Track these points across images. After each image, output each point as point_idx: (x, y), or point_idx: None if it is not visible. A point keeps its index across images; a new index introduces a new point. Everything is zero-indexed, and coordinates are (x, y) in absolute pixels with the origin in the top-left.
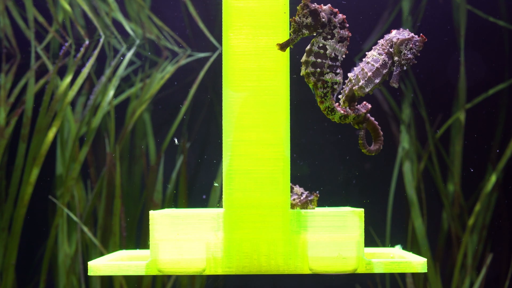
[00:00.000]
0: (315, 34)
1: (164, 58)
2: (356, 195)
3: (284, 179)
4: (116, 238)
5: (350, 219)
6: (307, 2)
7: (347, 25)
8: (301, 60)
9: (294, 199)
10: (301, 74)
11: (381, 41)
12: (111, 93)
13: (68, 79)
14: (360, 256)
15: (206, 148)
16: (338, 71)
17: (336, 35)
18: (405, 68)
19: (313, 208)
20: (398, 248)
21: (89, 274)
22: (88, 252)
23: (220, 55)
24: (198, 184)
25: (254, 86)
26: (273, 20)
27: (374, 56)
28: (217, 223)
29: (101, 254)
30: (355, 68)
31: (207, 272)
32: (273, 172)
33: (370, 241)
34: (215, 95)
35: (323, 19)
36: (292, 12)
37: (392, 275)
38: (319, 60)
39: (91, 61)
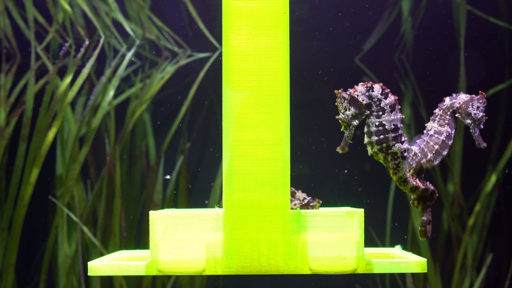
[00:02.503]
0: (364, 117)
1: (164, 58)
2: (356, 195)
3: (284, 179)
4: (116, 238)
5: (350, 219)
6: (342, 94)
7: (388, 90)
8: (364, 142)
9: (295, 204)
10: (369, 155)
11: (437, 112)
12: (111, 93)
13: (68, 79)
14: (360, 256)
15: (206, 148)
16: (402, 139)
17: (385, 107)
18: (481, 126)
19: None
20: (398, 248)
21: (89, 274)
22: (88, 252)
23: (220, 55)
24: (198, 184)
25: (254, 86)
26: (273, 20)
27: (435, 128)
28: (217, 223)
29: (101, 254)
30: (417, 141)
31: (207, 272)
32: (273, 172)
33: (370, 241)
34: (215, 95)
35: (364, 101)
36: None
37: (392, 275)
38: (381, 136)
39: (91, 61)
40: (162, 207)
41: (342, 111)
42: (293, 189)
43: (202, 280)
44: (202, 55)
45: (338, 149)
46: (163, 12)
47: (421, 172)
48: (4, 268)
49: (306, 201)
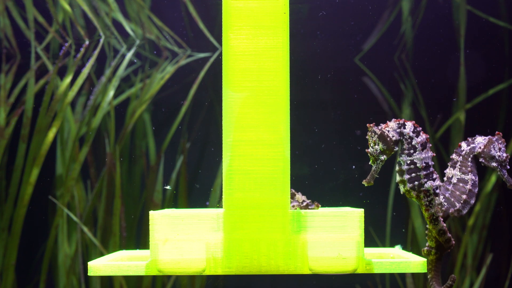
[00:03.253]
0: (392, 153)
1: (164, 58)
2: (356, 195)
3: (284, 179)
4: (116, 238)
5: (350, 219)
6: (372, 128)
7: (420, 128)
8: (397, 181)
9: (293, 206)
10: (401, 193)
11: (456, 158)
12: (111, 93)
13: (68, 79)
14: (360, 256)
15: (206, 148)
16: (434, 176)
17: (416, 145)
18: (508, 167)
19: None
20: (398, 248)
21: (89, 274)
22: (88, 252)
23: (220, 55)
24: (198, 184)
25: (254, 86)
26: (273, 20)
27: (458, 176)
28: (217, 223)
29: (101, 254)
30: (440, 189)
31: (207, 272)
32: (273, 172)
33: (370, 241)
34: (215, 95)
35: (394, 138)
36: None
37: (392, 275)
38: (413, 174)
39: (91, 61)
40: (162, 207)
41: (371, 145)
42: (293, 190)
43: (202, 280)
44: (202, 55)
45: (364, 182)
46: (163, 12)
47: (445, 220)
48: (4, 268)
49: (305, 203)
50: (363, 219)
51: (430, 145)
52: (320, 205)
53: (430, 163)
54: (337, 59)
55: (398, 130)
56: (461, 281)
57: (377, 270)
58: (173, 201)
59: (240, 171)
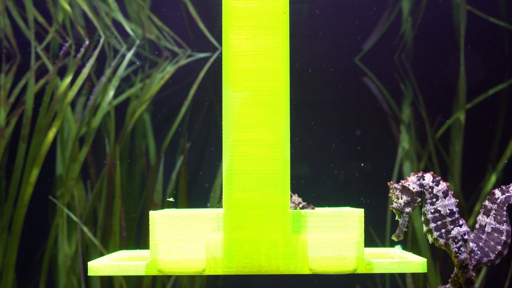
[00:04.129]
0: (417, 206)
1: (164, 58)
2: (356, 195)
3: (284, 179)
4: (116, 238)
5: (350, 219)
6: (393, 185)
7: (439, 177)
8: (424, 232)
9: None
10: (430, 242)
11: (489, 205)
12: (111, 93)
13: (68, 79)
14: (360, 256)
15: (206, 148)
16: (460, 222)
17: (438, 194)
18: None
19: None
20: (398, 248)
21: (89, 274)
22: (88, 252)
23: (220, 55)
24: (199, 184)
25: (254, 86)
26: (273, 20)
27: (493, 225)
28: (217, 223)
29: (101, 254)
30: (469, 235)
31: (207, 272)
32: (273, 172)
33: (370, 241)
34: (215, 95)
35: (415, 189)
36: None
37: (392, 275)
38: (439, 222)
39: (91, 61)
40: (162, 207)
41: (395, 200)
42: (290, 192)
43: (202, 280)
44: (202, 55)
45: (393, 237)
46: (163, 12)
47: (475, 268)
48: (4, 268)
49: (301, 205)
50: (363, 219)
51: (452, 192)
52: (315, 208)
53: (454, 210)
54: (337, 59)
55: (418, 182)
56: None
57: (377, 270)
58: (173, 201)
59: (240, 171)
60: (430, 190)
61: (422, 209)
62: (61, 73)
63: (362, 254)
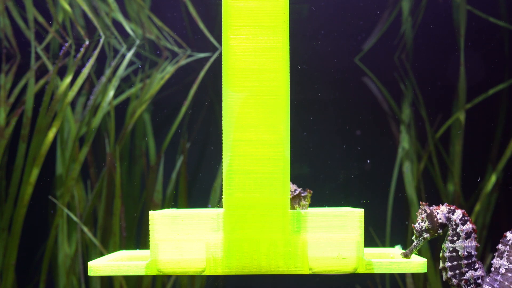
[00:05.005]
0: (436, 235)
1: (164, 58)
2: (356, 195)
3: (284, 179)
4: (116, 238)
5: (350, 219)
6: (425, 206)
7: (468, 218)
8: (439, 268)
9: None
10: (444, 280)
11: (502, 247)
12: (111, 93)
13: (68, 79)
14: (360, 256)
15: (206, 148)
16: (476, 266)
17: (461, 233)
18: None
19: (307, 204)
20: (398, 248)
21: (89, 274)
22: (88, 252)
23: (220, 55)
24: (198, 184)
25: (254, 86)
26: (273, 20)
27: (506, 266)
28: (217, 223)
29: (101, 254)
30: (484, 280)
31: (207, 272)
32: (273, 172)
33: (370, 241)
34: (215, 95)
35: (440, 220)
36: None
37: (392, 275)
38: (454, 263)
39: (91, 61)
40: (162, 207)
41: (419, 221)
42: None
43: (202, 280)
44: (202, 55)
45: (401, 255)
46: (163, 12)
47: None
48: (4, 268)
49: (297, 192)
50: (363, 219)
51: (476, 236)
52: (312, 192)
53: (473, 253)
54: (337, 59)
55: (447, 214)
56: None
57: (377, 270)
58: (173, 201)
59: (240, 171)
60: (454, 227)
61: (443, 245)
62: (61, 73)
63: (362, 254)
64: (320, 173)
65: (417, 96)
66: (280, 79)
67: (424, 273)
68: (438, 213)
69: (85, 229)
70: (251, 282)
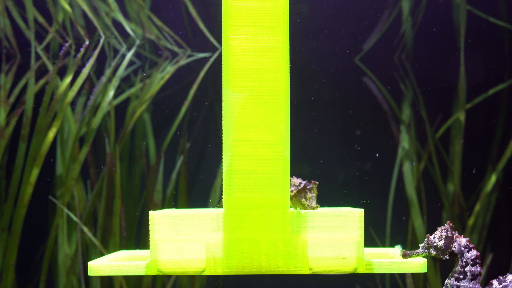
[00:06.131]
0: (440, 257)
1: (164, 58)
2: (356, 195)
3: (284, 179)
4: (116, 238)
5: (350, 219)
6: (448, 226)
7: (479, 261)
8: None
9: (292, 191)
10: None
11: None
12: (111, 93)
13: (68, 79)
14: (360, 256)
15: (206, 148)
16: None
17: (468, 274)
18: None
19: (314, 195)
20: (398, 248)
21: (89, 274)
22: (88, 252)
23: (220, 55)
24: (198, 184)
25: (254, 86)
26: (273, 20)
27: None
28: (217, 223)
29: (101, 254)
30: None
31: (207, 272)
32: (273, 172)
33: (370, 241)
34: (215, 95)
35: (455, 249)
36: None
37: (392, 275)
38: None
39: (91, 61)
40: (162, 207)
41: (436, 236)
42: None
43: (202, 280)
44: (202, 55)
45: (400, 252)
46: (163, 12)
47: None
48: (4, 268)
49: (302, 185)
50: (363, 219)
51: (480, 278)
52: (317, 183)
53: None
54: (337, 59)
55: (463, 249)
56: None
57: (377, 270)
58: (173, 201)
59: (240, 171)
60: (464, 264)
61: (446, 281)
62: (61, 73)
63: (362, 254)
64: (320, 173)
65: (417, 96)
66: (280, 79)
67: (424, 273)
68: (456, 240)
69: (85, 229)
70: (251, 282)
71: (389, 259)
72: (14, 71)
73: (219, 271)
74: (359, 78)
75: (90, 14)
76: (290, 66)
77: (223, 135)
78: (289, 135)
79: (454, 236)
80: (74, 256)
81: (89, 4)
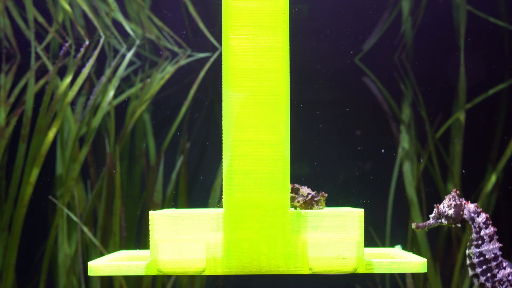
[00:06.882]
0: (452, 226)
1: (164, 58)
2: (356, 195)
3: (284, 179)
4: (116, 238)
5: (350, 219)
6: (456, 195)
7: (490, 222)
8: (470, 275)
9: (298, 201)
10: (477, 286)
11: None
12: (111, 93)
13: (68, 79)
14: (360, 256)
15: (206, 148)
16: (504, 264)
17: (485, 237)
18: None
19: (321, 208)
20: (398, 248)
21: (89, 274)
22: (88, 252)
23: (220, 55)
24: (198, 184)
25: (254, 86)
26: (273, 20)
27: None
28: (217, 223)
29: (101, 254)
30: None
31: (207, 272)
32: (273, 172)
33: (370, 241)
34: (215, 95)
35: (465, 216)
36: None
37: (392, 275)
38: (484, 267)
39: (91, 61)
40: (162, 207)
41: (444, 205)
42: (297, 185)
43: (202, 280)
44: (202, 55)
45: (413, 225)
46: (163, 12)
47: None
48: (4, 268)
49: (310, 196)
50: (363, 219)
51: (497, 237)
52: (326, 195)
53: (498, 253)
54: (337, 59)
55: (472, 214)
56: (461, 281)
57: (377, 270)
58: (173, 201)
59: (240, 171)
60: (478, 229)
61: (467, 252)
62: (61, 73)
63: (362, 254)
64: (320, 173)
65: (417, 96)
66: (280, 79)
67: (424, 273)
68: (464, 208)
69: (85, 229)
70: (251, 282)
71: (389, 259)
72: (14, 71)
73: (219, 271)
74: (359, 78)
75: (90, 14)
76: (290, 66)
77: (223, 135)
78: (289, 135)
79: (463, 203)
80: (74, 256)
81: (89, 4)
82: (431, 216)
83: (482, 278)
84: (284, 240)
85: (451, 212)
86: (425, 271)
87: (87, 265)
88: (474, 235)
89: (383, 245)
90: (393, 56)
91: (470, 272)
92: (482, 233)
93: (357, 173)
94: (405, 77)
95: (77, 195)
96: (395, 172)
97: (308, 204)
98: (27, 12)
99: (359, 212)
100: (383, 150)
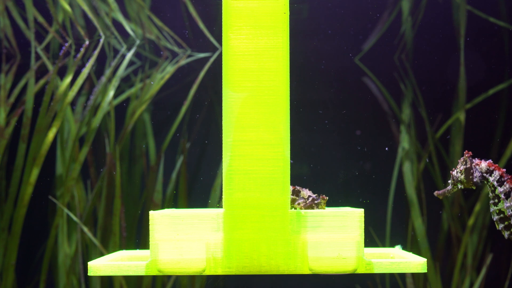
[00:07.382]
0: (473, 188)
1: (164, 58)
2: (356, 195)
3: (284, 179)
4: (116, 238)
5: (350, 219)
6: (468, 157)
7: (505, 178)
8: (499, 229)
9: (299, 204)
10: (506, 238)
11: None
12: (111, 93)
13: (68, 79)
14: (360, 256)
15: (206, 148)
16: None
17: (500, 195)
18: None
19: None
20: (398, 248)
21: (89, 274)
22: (88, 252)
23: (220, 55)
24: (198, 184)
25: (254, 86)
26: (273, 20)
27: None
28: (217, 223)
29: (101, 254)
30: None
31: (207, 272)
32: (273, 172)
33: (370, 241)
34: (215, 95)
35: (475, 179)
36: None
37: (392, 275)
38: (506, 223)
39: (91, 61)
40: (162, 207)
41: (457, 170)
42: (298, 187)
43: (202, 280)
44: (202, 55)
45: (436, 193)
46: (163, 12)
47: None
48: (4, 268)
49: (310, 198)
50: (363, 219)
51: None
52: (326, 198)
53: None
54: (337, 59)
55: (485, 174)
56: (461, 281)
57: (377, 270)
58: (173, 201)
59: (240, 171)
60: (492, 189)
61: (491, 209)
62: (61, 73)
63: (362, 254)
64: (320, 173)
65: (417, 96)
66: (280, 79)
67: (424, 273)
68: (476, 170)
69: (85, 229)
70: (251, 282)
71: (389, 259)
72: (14, 71)
73: (219, 271)
74: (359, 78)
75: (90, 14)
76: (290, 66)
77: (223, 135)
78: (289, 135)
79: (473, 165)
80: (74, 256)
81: (89, 4)
82: (449, 181)
83: (507, 234)
84: (284, 240)
85: (463, 177)
86: (425, 271)
87: (87, 265)
88: (490, 194)
89: (383, 245)
90: (393, 56)
91: (497, 227)
92: (496, 192)
93: (357, 173)
94: (405, 77)
95: (77, 195)
96: (395, 172)
97: (309, 207)
98: (27, 12)
99: (359, 212)
100: (387, 148)
